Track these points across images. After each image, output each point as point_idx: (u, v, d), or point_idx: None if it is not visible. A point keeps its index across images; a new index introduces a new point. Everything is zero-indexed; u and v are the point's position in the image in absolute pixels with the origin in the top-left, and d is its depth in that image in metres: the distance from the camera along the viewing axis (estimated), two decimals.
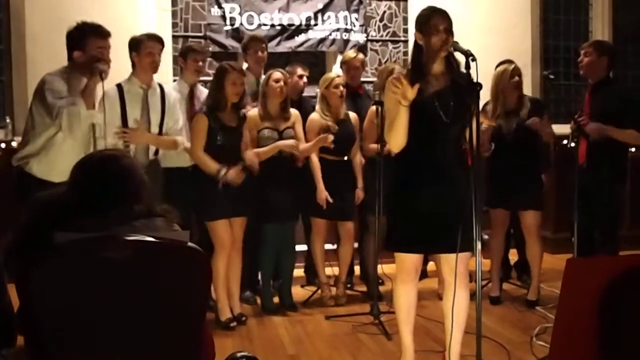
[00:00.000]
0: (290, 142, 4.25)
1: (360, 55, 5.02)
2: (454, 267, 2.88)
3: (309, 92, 5.21)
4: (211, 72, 4.55)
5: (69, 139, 3.58)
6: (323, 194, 4.36)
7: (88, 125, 3.63)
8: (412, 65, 3.01)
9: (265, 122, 4.28)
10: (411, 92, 2.79)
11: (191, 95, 4.44)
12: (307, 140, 4.39)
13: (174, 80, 5.21)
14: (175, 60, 5.89)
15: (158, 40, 4.06)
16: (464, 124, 2.89)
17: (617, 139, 4.12)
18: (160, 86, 4.11)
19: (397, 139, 2.92)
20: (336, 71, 5.39)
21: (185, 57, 4.47)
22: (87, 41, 3.60)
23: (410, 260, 3.03)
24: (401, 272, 3.07)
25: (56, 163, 3.56)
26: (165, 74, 5.75)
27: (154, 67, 4.01)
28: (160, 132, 4.04)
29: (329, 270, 4.69)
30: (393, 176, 3.11)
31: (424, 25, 2.92)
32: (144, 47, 3.95)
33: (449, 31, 2.89)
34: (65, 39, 3.67)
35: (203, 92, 4.55)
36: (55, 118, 3.44)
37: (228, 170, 3.94)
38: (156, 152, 4.06)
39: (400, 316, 3.12)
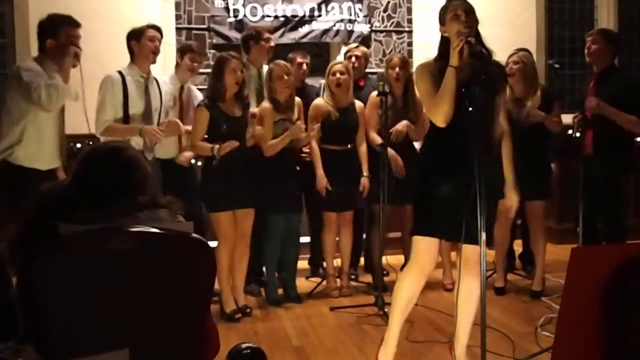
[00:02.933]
0: (294, 127, 4.20)
1: (362, 47, 5.03)
2: (468, 257, 2.87)
3: (312, 82, 5.20)
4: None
5: (46, 119, 3.61)
6: (323, 182, 4.35)
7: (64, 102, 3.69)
8: (440, 57, 2.97)
9: (279, 114, 4.27)
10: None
11: (180, 93, 4.47)
12: (307, 126, 4.38)
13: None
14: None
15: (158, 29, 4.13)
16: (492, 114, 2.87)
17: (613, 118, 4.08)
18: (155, 77, 4.19)
19: (445, 109, 2.82)
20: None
21: (183, 54, 4.51)
22: (60, 30, 3.69)
23: (428, 252, 2.98)
24: (416, 262, 3.02)
25: (41, 148, 3.63)
26: (168, 67, 5.75)
27: (155, 54, 4.07)
28: (158, 121, 4.12)
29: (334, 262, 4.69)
30: (420, 163, 3.09)
31: (444, 15, 2.93)
32: (145, 34, 4.02)
33: (470, 14, 2.88)
34: (37, 31, 3.75)
35: (193, 91, 4.60)
36: (34, 92, 3.48)
37: (220, 145, 3.93)
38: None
39: (399, 305, 3.06)
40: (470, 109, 2.81)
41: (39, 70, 3.59)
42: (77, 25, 3.75)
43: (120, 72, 4.01)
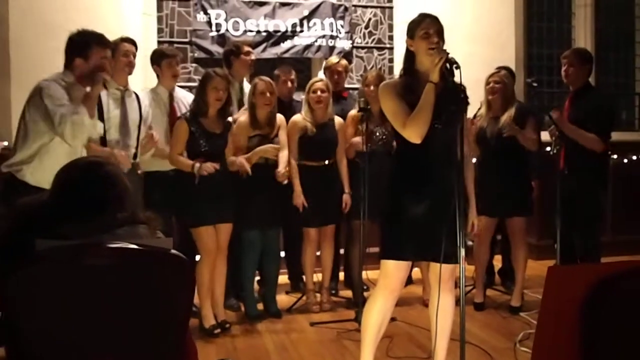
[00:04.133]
0: (267, 146, 4.21)
1: (343, 61, 5.07)
2: (442, 274, 2.87)
3: (297, 97, 5.21)
4: (197, 77, 4.55)
5: (63, 144, 3.53)
6: (300, 199, 4.36)
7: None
8: (405, 72, 2.99)
9: (255, 130, 4.29)
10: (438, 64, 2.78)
11: (171, 100, 4.42)
12: (289, 142, 4.41)
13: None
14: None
15: (131, 42, 4.10)
16: (457, 130, 2.89)
17: (573, 137, 4.12)
18: (135, 93, 4.13)
19: (423, 125, 2.80)
20: (321, 76, 5.40)
21: (159, 63, 4.38)
22: (91, 50, 3.51)
23: (397, 274, 2.94)
24: (384, 286, 2.97)
25: (50, 169, 3.49)
26: (150, 80, 5.74)
27: (130, 68, 4.03)
28: (138, 134, 4.05)
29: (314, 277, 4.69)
30: (389, 182, 3.05)
31: (415, 30, 2.92)
32: (119, 49, 3.97)
33: (440, 35, 2.88)
34: (66, 44, 3.56)
35: (180, 92, 4.55)
36: (58, 125, 3.36)
37: (202, 163, 3.92)
38: (134, 157, 4.04)
39: (369, 335, 2.98)
40: (438, 126, 2.82)
41: (63, 97, 3.42)
42: (108, 45, 3.60)
43: None
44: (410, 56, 2.97)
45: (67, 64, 3.55)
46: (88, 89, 3.51)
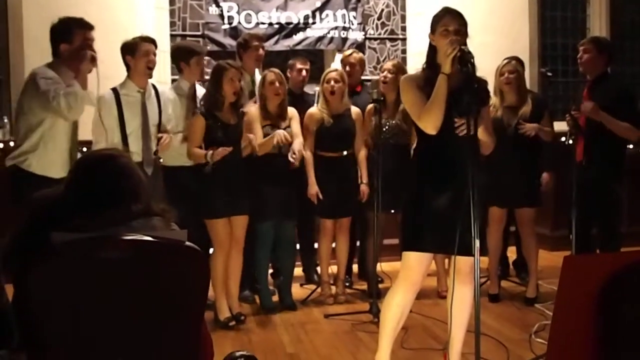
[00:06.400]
0: (281, 131, 4.14)
1: (358, 54, 5.04)
2: (461, 267, 2.87)
3: (308, 89, 5.20)
4: (209, 70, 4.55)
5: (64, 129, 3.57)
6: (314, 189, 4.36)
7: (82, 111, 3.62)
8: (427, 66, 2.98)
9: (266, 121, 4.30)
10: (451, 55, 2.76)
11: (193, 93, 4.40)
12: (304, 135, 4.39)
13: (173, 81, 5.20)
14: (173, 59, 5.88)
15: (152, 41, 4.05)
16: (477, 122, 2.87)
17: (608, 126, 4.10)
18: (154, 86, 4.12)
19: (436, 115, 2.80)
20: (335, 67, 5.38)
21: (187, 60, 4.35)
22: (74, 34, 3.59)
23: (419, 267, 2.93)
24: (406, 278, 2.96)
25: (54, 157, 3.58)
26: (162, 73, 5.76)
27: (151, 69, 3.98)
28: (158, 132, 4.05)
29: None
30: (412, 174, 3.05)
31: (435, 25, 2.91)
32: (139, 49, 3.92)
33: (460, 32, 2.86)
34: (50, 34, 3.65)
35: (200, 90, 4.55)
36: (52, 100, 3.41)
37: (214, 150, 3.92)
38: (155, 152, 4.05)
39: (388, 327, 2.99)
40: (457, 119, 2.81)
41: (55, 77, 3.50)
42: (90, 27, 3.66)
43: (115, 90, 3.93)
44: (432, 50, 2.97)
45: (55, 52, 3.63)
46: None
